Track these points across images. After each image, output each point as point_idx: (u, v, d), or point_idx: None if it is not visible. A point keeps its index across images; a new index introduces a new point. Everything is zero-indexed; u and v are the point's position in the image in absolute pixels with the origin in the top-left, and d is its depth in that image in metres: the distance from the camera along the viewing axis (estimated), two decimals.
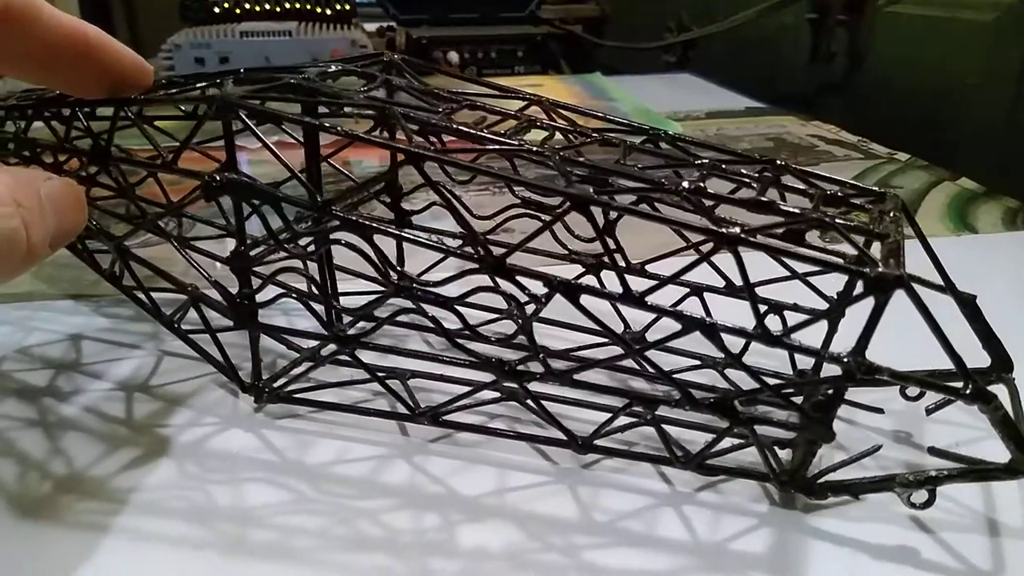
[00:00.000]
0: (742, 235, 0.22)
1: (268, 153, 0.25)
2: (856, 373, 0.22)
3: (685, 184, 0.24)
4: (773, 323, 0.29)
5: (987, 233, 0.50)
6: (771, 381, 0.24)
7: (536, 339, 0.26)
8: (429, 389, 0.31)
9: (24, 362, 0.34)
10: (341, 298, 0.36)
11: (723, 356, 0.23)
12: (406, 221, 0.37)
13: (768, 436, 0.26)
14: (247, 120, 0.26)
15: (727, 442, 0.26)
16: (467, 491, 0.26)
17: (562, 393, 0.28)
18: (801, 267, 0.25)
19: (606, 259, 0.25)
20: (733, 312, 0.25)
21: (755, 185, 0.27)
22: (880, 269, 0.21)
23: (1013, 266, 0.45)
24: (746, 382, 0.24)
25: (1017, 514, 0.26)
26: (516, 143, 0.25)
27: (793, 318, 0.25)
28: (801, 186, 0.28)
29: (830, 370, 0.23)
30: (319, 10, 0.93)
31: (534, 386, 0.27)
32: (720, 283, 0.32)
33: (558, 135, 0.32)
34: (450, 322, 0.27)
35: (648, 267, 0.33)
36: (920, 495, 0.24)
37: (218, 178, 0.26)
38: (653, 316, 0.25)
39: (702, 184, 0.25)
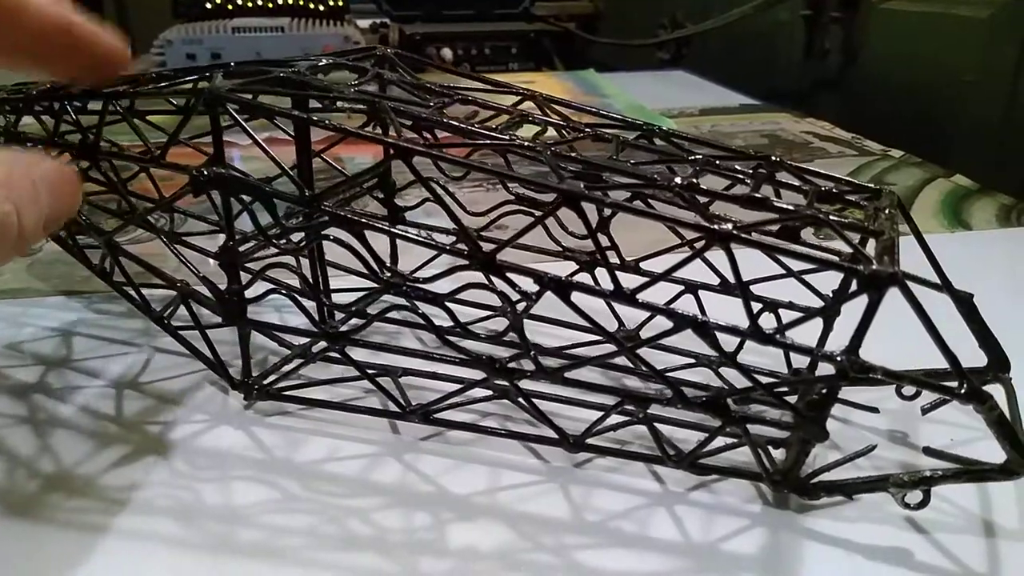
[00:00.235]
0: (734, 232, 0.22)
1: (263, 152, 0.25)
2: (849, 372, 0.22)
3: (678, 180, 0.24)
4: (768, 321, 0.28)
5: (981, 230, 0.50)
6: (764, 380, 0.24)
7: (528, 337, 0.26)
8: (420, 387, 0.30)
9: (14, 358, 0.33)
10: (333, 295, 0.36)
11: (716, 355, 0.23)
12: (399, 217, 0.37)
13: (761, 435, 0.26)
14: (234, 113, 0.26)
15: (720, 441, 0.26)
16: (458, 490, 0.26)
17: (554, 391, 0.28)
18: (796, 265, 0.25)
19: (599, 256, 0.25)
20: (728, 310, 0.25)
21: (749, 181, 0.27)
22: (874, 266, 0.21)
23: (1008, 263, 0.45)
24: (740, 382, 0.24)
25: (1012, 515, 0.25)
26: (507, 138, 0.25)
27: (788, 317, 0.25)
28: (796, 183, 0.28)
29: (825, 369, 0.23)
30: (312, 6, 0.92)
31: (526, 384, 0.27)
32: (715, 281, 0.31)
33: (551, 130, 0.31)
34: (442, 319, 0.26)
35: (642, 264, 0.32)
36: (915, 495, 0.24)
37: (205, 172, 0.26)
38: (647, 314, 0.25)
39: (695, 180, 0.24)
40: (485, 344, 0.30)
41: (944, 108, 0.68)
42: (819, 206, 0.25)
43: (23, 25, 0.25)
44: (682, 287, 0.32)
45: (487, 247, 0.24)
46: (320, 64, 0.30)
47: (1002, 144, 0.63)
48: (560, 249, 0.34)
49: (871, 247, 0.23)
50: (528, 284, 0.24)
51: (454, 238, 0.27)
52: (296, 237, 0.30)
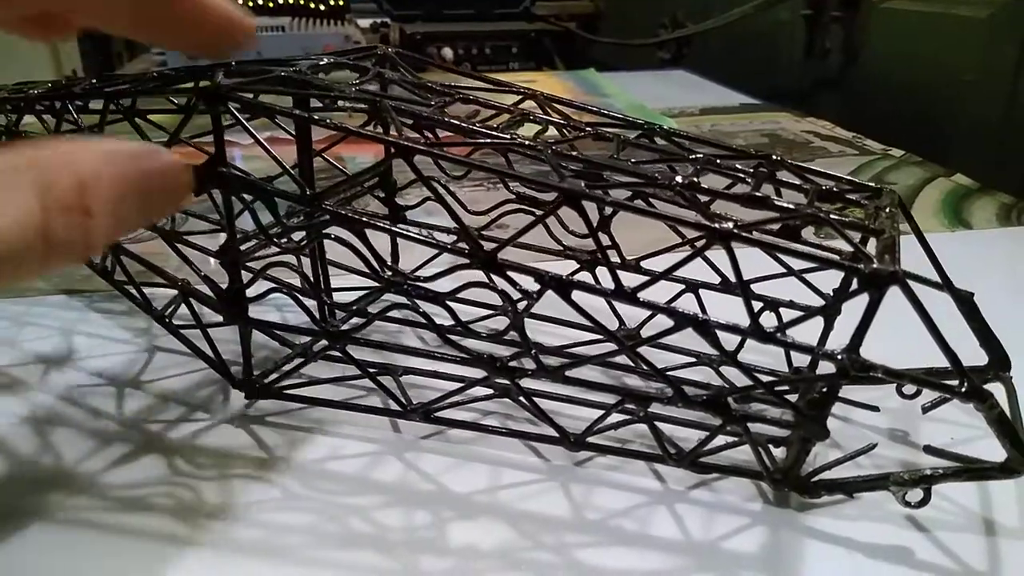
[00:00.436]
0: (735, 230, 0.22)
1: (264, 151, 0.25)
2: (850, 370, 0.22)
3: (679, 179, 0.24)
4: (769, 320, 0.28)
5: (982, 229, 0.50)
6: (765, 378, 0.24)
7: (529, 336, 0.26)
8: (421, 386, 0.30)
9: (16, 357, 0.33)
10: (334, 294, 0.36)
11: (717, 353, 0.23)
12: (400, 217, 0.37)
13: (762, 434, 0.26)
14: (235, 111, 0.26)
15: (721, 440, 0.26)
16: (458, 488, 0.26)
17: (555, 390, 0.28)
18: (797, 264, 0.25)
19: (600, 255, 0.25)
20: (729, 310, 0.25)
21: (750, 181, 0.27)
22: (875, 265, 0.21)
23: (1008, 262, 0.45)
24: (741, 381, 0.24)
25: (1013, 513, 0.25)
26: (507, 137, 0.25)
27: (789, 316, 0.25)
28: (797, 182, 0.28)
29: (826, 368, 0.23)
30: (312, 5, 0.92)
31: (526, 383, 0.27)
32: (716, 280, 0.31)
33: (552, 129, 0.31)
34: (443, 318, 0.26)
35: (643, 263, 0.32)
36: (915, 494, 0.24)
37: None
38: (648, 313, 0.25)
39: (696, 179, 0.24)
40: (486, 343, 0.30)
41: (944, 107, 0.68)
42: (820, 205, 0.25)
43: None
44: (683, 286, 0.32)
45: (488, 246, 0.24)
46: (321, 63, 0.30)
47: (1002, 143, 0.63)
48: (561, 248, 0.34)
49: (872, 246, 0.23)
50: (529, 283, 0.24)
51: (455, 237, 0.27)
52: (297, 236, 0.30)
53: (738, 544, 0.24)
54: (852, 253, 0.22)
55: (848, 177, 0.28)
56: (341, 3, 0.93)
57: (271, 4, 0.91)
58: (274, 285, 0.28)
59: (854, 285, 0.21)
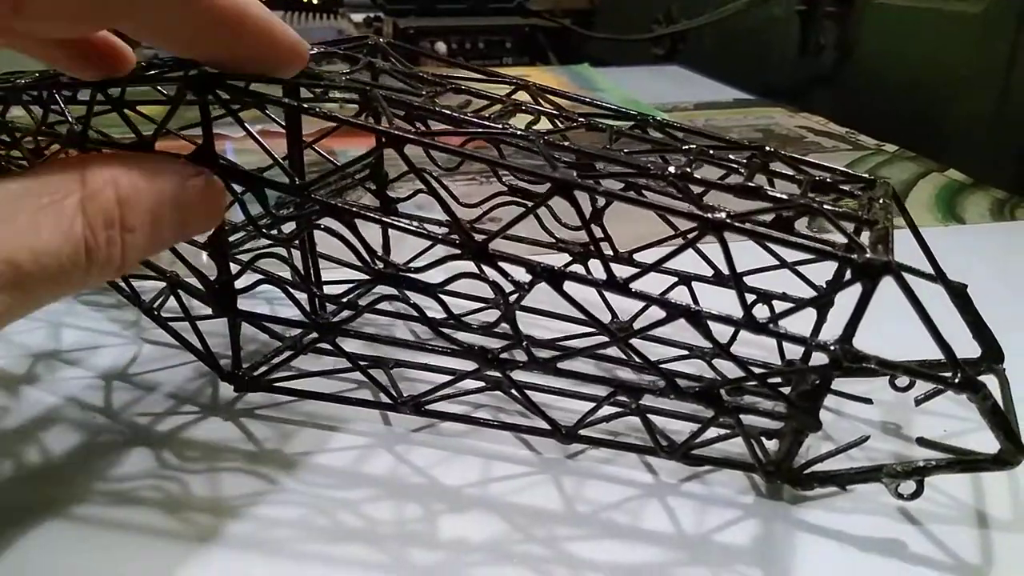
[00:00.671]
0: (728, 220, 0.21)
1: (254, 141, 0.25)
2: (843, 361, 0.22)
3: (672, 169, 0.24)
4: (762, 312, 0.28)
5: (975, 223, 0.50)
6: (758, 370, 0.24)
7: (521, 328, 0.25)
8: (412, 378, 0.30)
9: (3, 349, 0.33)
10: (325, 286, 0.36)
11: (710, 346, 0.23)
12: (391, 209, 0.37)
13: (754, 426, 0.26)
14: (224, 100, 0.25)
15: (713, 432, 0.26)
16: (449, 481, 0.26)
17: (546, 382, 0.28)
18: (790, 256, 0.24)
19: (593, 247, 0.25)
20: (722, 302, 0.25)
21: (743, 171, 0.27)
22: (868, 255, 0.21)
23: (1001, 256, 0.45)
24: (734, 373, 0.24)
25: (1005, 505, 0.25)
26: (499, 127, 0.25)
27: (782, 308, 0.25)
28: (790, 172, 0.28)
29: (819, 359, 0.23)
30: (305, 0, 0.92)
31: (518, 375, 0.26)
32: (709, 273, 0.31)
33: (544, 120, 0.31)
34: (434, 311, 0.26)
35: (636, 256, 0.32)
36: (908, 486, 0.24)
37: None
38: (641, 306, 0.25)
39: (689, 170, 0.24)
40: (478, 335, 0.30)
41: (938, 103, 0.68)
42: (813, 195, 0.25)
43: (195, 11, 0.23)
44: (676, 278, 0.32)
45: (480, 238, 0.24)
46: (312, 52, 0.30)
47: (995, 139, 0.63)
48: (553, 241, 0.34)
49: (865, 237, 0.23)
50: (521, 274, 0.24)
51: (446, 229, 0.27)
52: (288, 228, 0.30)
53: (730, 537, 0.24)
54: (845, 244, 0.22)
55: (842, 168, 0.28)
56: None
57: None
58: (263, 276, 0.28)
59: (847, 275, 0.21)
